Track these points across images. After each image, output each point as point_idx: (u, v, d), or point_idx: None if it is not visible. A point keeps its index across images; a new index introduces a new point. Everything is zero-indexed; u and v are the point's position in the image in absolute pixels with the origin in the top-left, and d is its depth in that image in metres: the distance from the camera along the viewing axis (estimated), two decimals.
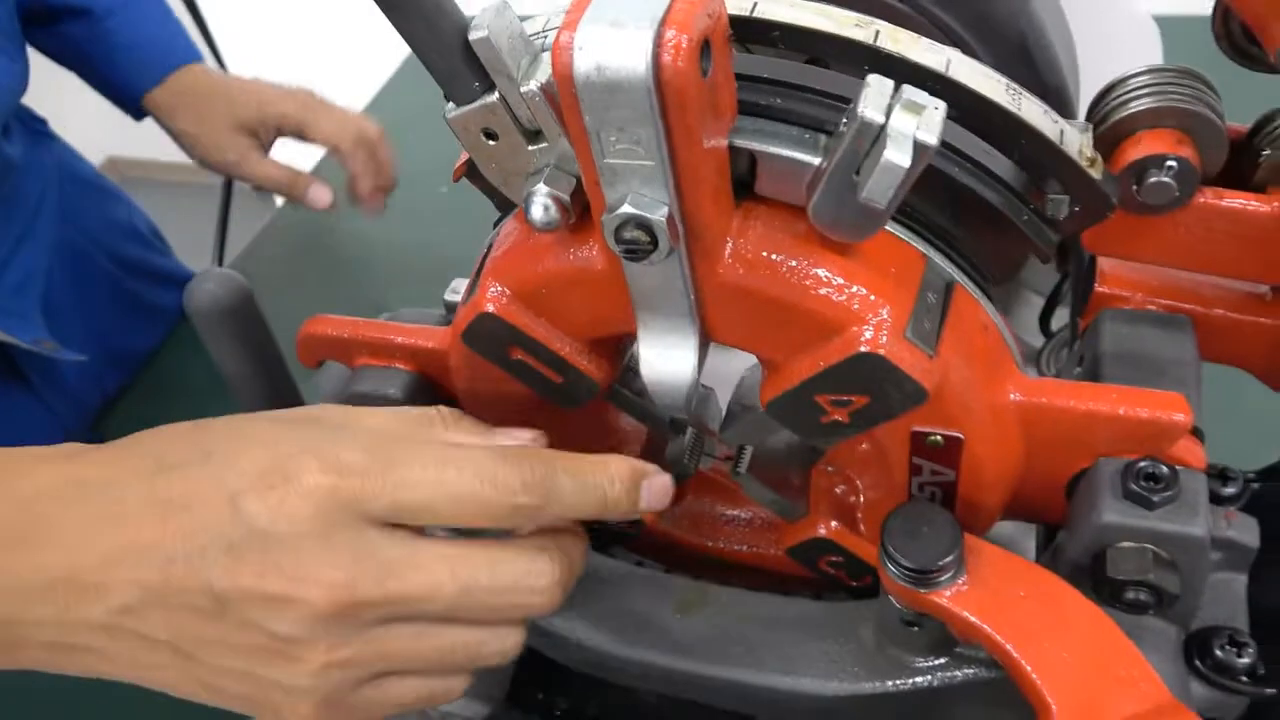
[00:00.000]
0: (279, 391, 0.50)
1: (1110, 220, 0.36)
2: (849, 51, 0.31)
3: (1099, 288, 0.41)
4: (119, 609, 0.33)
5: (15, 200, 0.78)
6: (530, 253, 0.36)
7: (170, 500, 0.33)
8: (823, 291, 0.33)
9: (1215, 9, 0.35)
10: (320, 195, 0.91)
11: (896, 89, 0.29)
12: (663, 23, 0.27)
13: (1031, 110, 0.32)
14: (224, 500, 0.33)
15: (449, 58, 0.31)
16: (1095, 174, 0.33)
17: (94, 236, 0.88)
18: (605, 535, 0.48)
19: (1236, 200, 0.34)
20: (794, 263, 0.33)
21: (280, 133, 0.92)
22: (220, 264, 0.94)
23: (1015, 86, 0.32)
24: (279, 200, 0.99)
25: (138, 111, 0.94)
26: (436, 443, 0.36)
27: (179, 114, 0.91)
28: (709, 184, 0.30)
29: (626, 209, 0.30)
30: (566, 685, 0.52)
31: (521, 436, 0.39)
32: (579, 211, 0.33)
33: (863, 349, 0.32)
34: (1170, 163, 0.33)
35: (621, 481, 0.36)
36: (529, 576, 0.35)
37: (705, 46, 0.28)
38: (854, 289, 0.33)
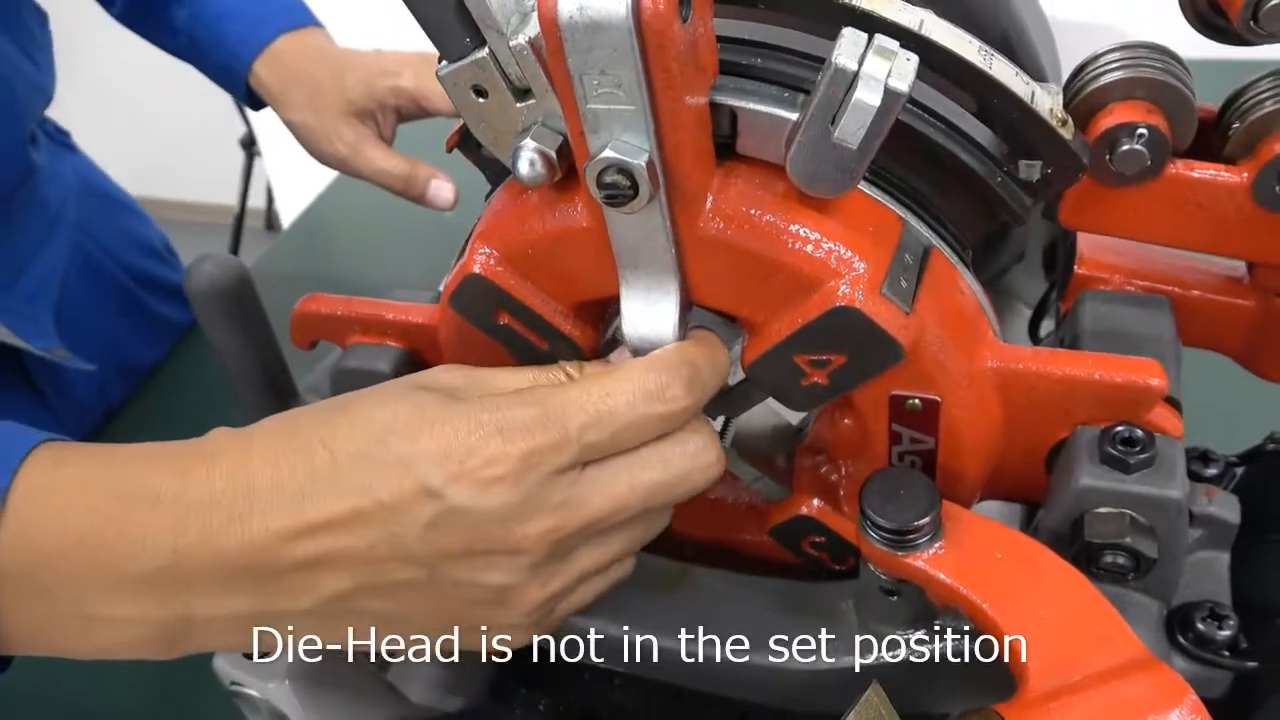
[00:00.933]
0: (271, 373, 0.51)
1: (1086, 194, 0.37)
2: (826, 10, 0.33)
3: (1078, 270, 0.42)
4: (330, 597, 0.34)
5: (37, 207, 0.78)
6: (517, 215, 0.37)
7: (360, 489, 0.33)
8: (800, 247, 0.33)
9: None
10: (443, 192, 0.79)
11: (870, 41, 0.30)
12: None
13: (1003, 70, 0.33)
14: (416, 484, 0.33)
15: (442, 13, 0.32)
16: (1066, 134, 0.33)
17: (110, 248, 0.86)
18: None
19: (1208, 170, 0.35)
20: (772, 218, 0.33)
21: (400, 114, 0.82)
22: None
23: (988, 48, 0.33)
24: (285, 224, 1.00)
25: (250, 97, 0.85)
26: (585, 379, 0.36)
27: (289, 100, 0.81)
28: (689, 132, 0.31)
29: (608, 154, 0.31)
30: (549, 680, 0.52)
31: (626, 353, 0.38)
32: (565, 168, 0.34)
33: (839, 303, 0.33)
34: (1141, 130, 0.34)
35: (722, 346, 0.37)
36: (697, 458, 0.36)
37: None
38: (831, 245, 0.33)
